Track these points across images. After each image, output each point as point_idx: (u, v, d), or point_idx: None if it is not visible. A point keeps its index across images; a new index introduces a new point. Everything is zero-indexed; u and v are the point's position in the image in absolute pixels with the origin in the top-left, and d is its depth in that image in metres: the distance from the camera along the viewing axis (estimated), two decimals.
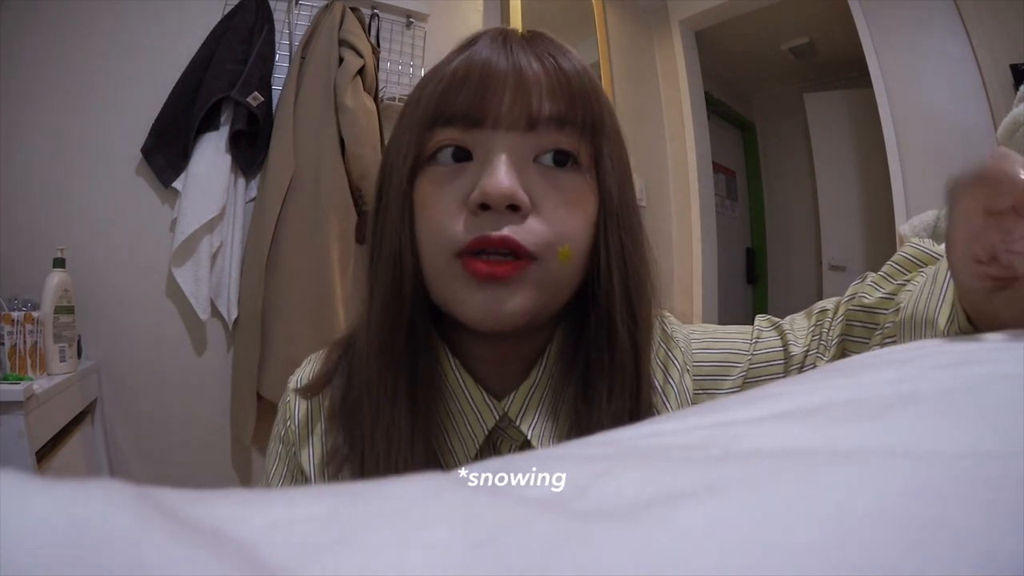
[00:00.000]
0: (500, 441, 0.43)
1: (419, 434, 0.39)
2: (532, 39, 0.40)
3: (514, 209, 0.36)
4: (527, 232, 0.36)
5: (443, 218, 0.37)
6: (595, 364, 0.40)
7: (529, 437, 0.41)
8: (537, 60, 0.38)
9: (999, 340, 0.23)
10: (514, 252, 0.36)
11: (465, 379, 0.42)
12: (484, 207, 0.36)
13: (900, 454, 0.12)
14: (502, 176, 0.36)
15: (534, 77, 0.37)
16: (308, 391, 0.45)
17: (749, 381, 0.45)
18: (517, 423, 0.41)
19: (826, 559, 0.09)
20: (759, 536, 0.10)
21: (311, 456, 0.44)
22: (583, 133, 0.39)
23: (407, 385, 0.40)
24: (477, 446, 0.41)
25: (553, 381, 0.42)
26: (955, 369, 0.18)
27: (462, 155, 0.38)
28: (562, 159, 0.38)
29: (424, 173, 0.39)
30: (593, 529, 0.10)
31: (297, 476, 0.46)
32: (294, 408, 0.46)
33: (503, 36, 0.39)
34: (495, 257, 0.36)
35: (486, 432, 0.41)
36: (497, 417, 0.41)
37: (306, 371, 0.48)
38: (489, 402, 0.41)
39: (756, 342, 0.47)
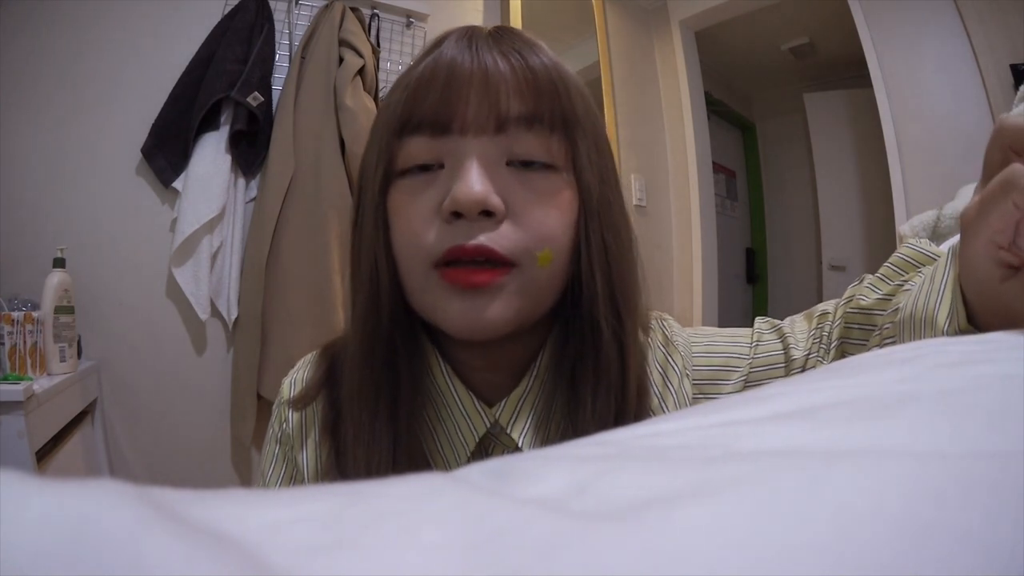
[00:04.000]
0: (492, 447, 0.42)
1: (401, 449, 0.39)
2: (499, 36, 0.38)
3: (488, 215, 0.35)
4: (503, 238, 0.35)
5: (416, 229, 0.36)
6: (580, 366, 0.40)
7: (520, 444, 0.41)
8: (503, 57, 0.37)
9: (999, 340, 0.23)
10: (491, 260, 0.35)
11: (456, 385, 0.41)
12: (457, 215, 0.35)
13: (900, 454, 0.12)
14: (473, 182, 0.35)
15: (500, 76, 0.36)
16: (298, 403, 0.44)
17: (749, 385, 0.45)
18: (508, 430, 0.41)
19: (826, 559, 0.09)
20: (759, 536, 0.10)
21: (306, 465, 0.44)
22: (554, 130, 0.37)
23: (388, 398, 0.39)
24: (468, 452, 0.41)
25: (545, 388, 0.41)
26: (956, 369, 0.18)
27: (425, 166, 0.37)
28: (535, 160, 0.37)
29: (396, 184, 0.38)
30: (592, 529, 0.10)
31: (296, 477, 0.45)
32: (288, 412, 0.45)
33: (469, 35, 0.38)
34: (472, 266, 0.35)
35: (477, 439, 0.41)
36: (488, 424, 0.41)
37: (299, 375, 0.47)
38: (480, 409, 0.41)
39: (756, 345, 0.46)
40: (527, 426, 0.41)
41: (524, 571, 0.09)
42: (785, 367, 0.45)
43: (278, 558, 0.09)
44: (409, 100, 0.37)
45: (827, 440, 0.14)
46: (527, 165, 0.37)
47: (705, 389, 0.45)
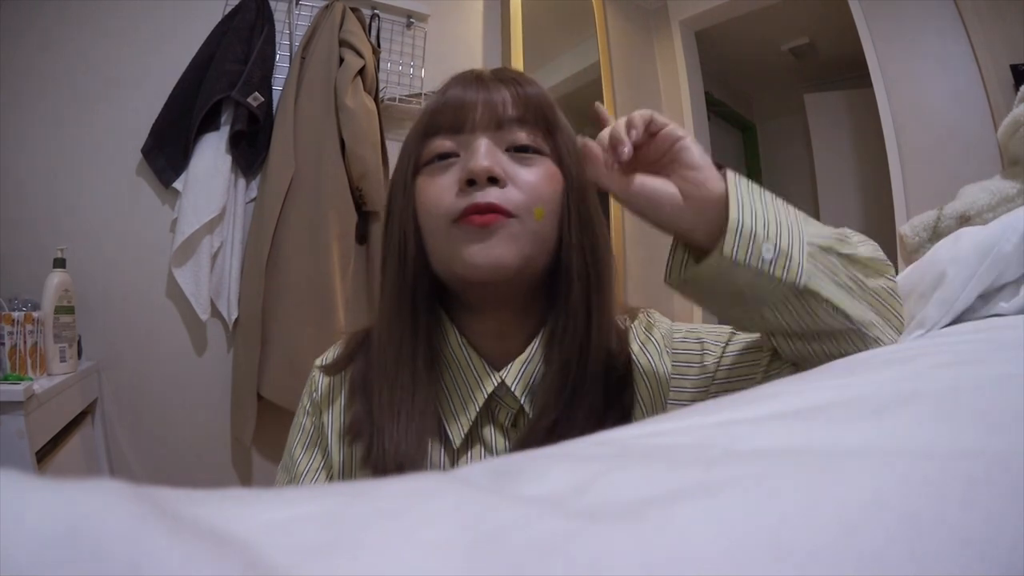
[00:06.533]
0: (498, 409, 0.50)
1: (420, 388, 0.48)
2: (498, 72, 0.52)
3: (494, 181, 0.46)
4: (506, 198, 0.46)
5: (438, 197, 0.48)
6: (553, 313, 0.49)
7: (523, 403, 0.49)
8: (503, 84, 0.50)
9: (1000, 340, 0.23)
10: (496, 211, 0.46)
11: (469, 351, 0.50)
12: (471, 183, 0.46)
13: (899, 453, 0.12)
14: (482, 157, 0.46)
15: (500, 95, 0.49)
16: (331, 369, 0.54)
17: (721, 368, 0.51)
18: (513, 389, 0.49)
19: (826, 558, 0.09)
20: (758, 535, 0.10)
21: (330, 424, 0.53)
22: (538, 128, 0.50)
23: (411, 352, 0.48)
24: (477, 409, 0.49)
25: (544, 357, 0.50)
26: (954, 369, 0.18)
27: (445, 156, 0.49)
28: (527, 147, 0.49)
29: (422, 172, 0.50)
30: (593, 528, 0.10)
31: (321, 443, 0.53)
32: (318, 381, 0.55)
33: (475, 76, 0.51)
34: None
35: (485, 395, 0.49)
36: (496, 383, 0.49)
37: (330, 355, 0.56)
38: (489, 370, 0.50)
39: (733, 334, 0.53)
40: (529, 388, 0.49)
41: (525, 570, 0.09)
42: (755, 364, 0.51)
43: (278, 558, 0.09)
44: (431, 113, 0.50)
45: (826, 440, 0.14)
46: (521, 150, 0.49)
47: (682, 370, 0.52)
